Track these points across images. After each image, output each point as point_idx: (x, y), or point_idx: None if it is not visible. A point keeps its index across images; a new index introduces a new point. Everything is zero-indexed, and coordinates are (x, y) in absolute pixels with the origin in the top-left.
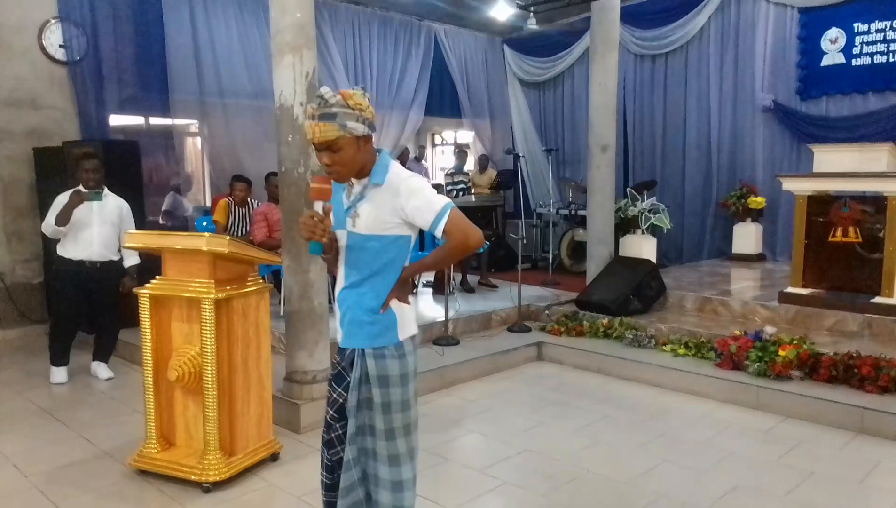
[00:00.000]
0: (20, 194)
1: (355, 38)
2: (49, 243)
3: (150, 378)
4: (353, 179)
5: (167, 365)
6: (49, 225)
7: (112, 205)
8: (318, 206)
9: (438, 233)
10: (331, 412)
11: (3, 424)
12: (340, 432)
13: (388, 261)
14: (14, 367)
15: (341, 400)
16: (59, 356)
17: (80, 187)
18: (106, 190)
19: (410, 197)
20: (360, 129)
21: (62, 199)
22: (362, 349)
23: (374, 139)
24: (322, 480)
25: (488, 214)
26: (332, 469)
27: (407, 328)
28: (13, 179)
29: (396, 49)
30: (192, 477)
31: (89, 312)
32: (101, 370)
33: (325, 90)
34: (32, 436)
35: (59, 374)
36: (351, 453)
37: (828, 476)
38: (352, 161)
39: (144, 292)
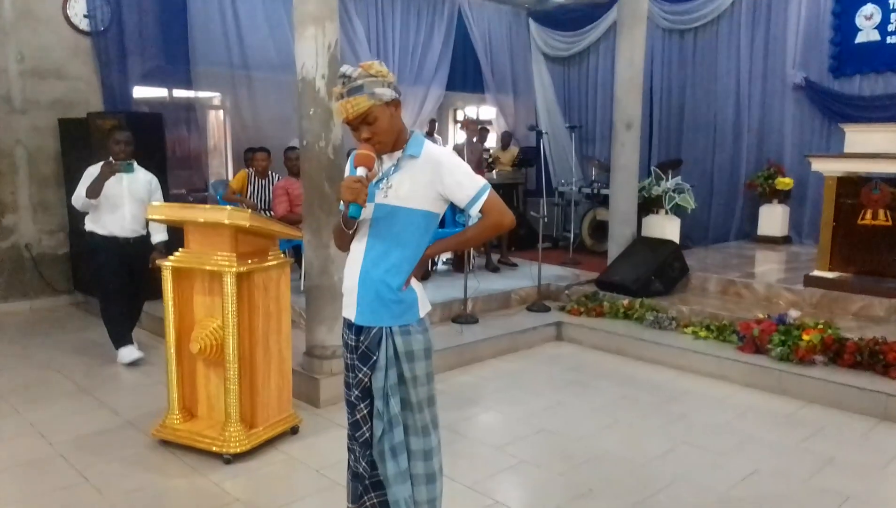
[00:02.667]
0: (46, 165)
1: (378, 10)
2: (76, 216)
3: (172, 350)
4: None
5: (189, 337)
6: (80, 197)
7: (142, 179)
8: (361, 171)
9: (475, 211)
10: (356, 392)
11: (29, 393)
12: (366, 411)
13: (416, 236)
14: (40, 336)
15: (366, 380)
16: (118, 337)
17: (111, 159)
18: (136, 164)
19: (453, 171)
20: (387, 94)
21: (93, 170)
22: (390, 328)
23: None
24: (350, 466)
25: (509, 191)
26: (360, 454)
27: (424, 305)
28: (38, 150)
29: (419, 22)
30: (214, 448)
31: (135, 290)
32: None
33: (346, 67)
34: (58, 405)
35: (127, 354)
36: (398, 436)
37: (849, 462)
38: (389, 128)
39: (167, 265)
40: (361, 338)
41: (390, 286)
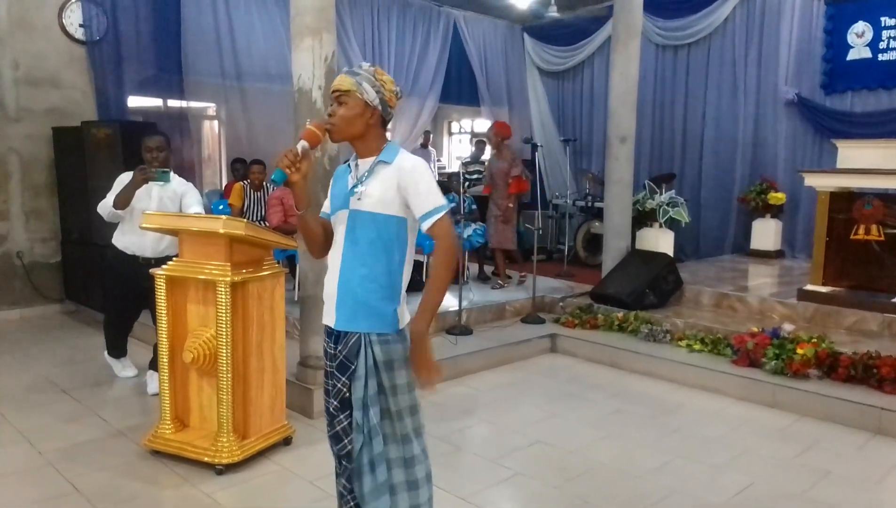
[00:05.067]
0: (39, 173)
1: (374, 23)
2: (69, 225)
3: (165, 359)
4: (360, 160)
5: (182, 347)
6: (106, 206)
7: (171, 191)
8: (301, 144)
9: (426, 227)
10: (334, 402)
11: (19, 401)
12: (346, 423)
13: (390, 241)
14: (31, 345)
15: (345, 390)
16: (114, 348)
17: (143, 166)
18: (172, 173)
19: (417, 179)
20: (371, 94)
21: (124, 178)
22: (368, 337)
23: (389, 124)
24: (338, 485)
25: None
26: (344, 468)
27: (404, 316)
28: (32, 158)
29: (415, 35)
30: (206, 459)
31: (143, 308)
32: (154, 381)
33: (365, 63)
34: (48, 414)
35: (122, 368)
36: (377, 447)
37: (844, 476)
38: (351, 121)
39: (161, 274)
40: (339, 346)
41: (367, 291)
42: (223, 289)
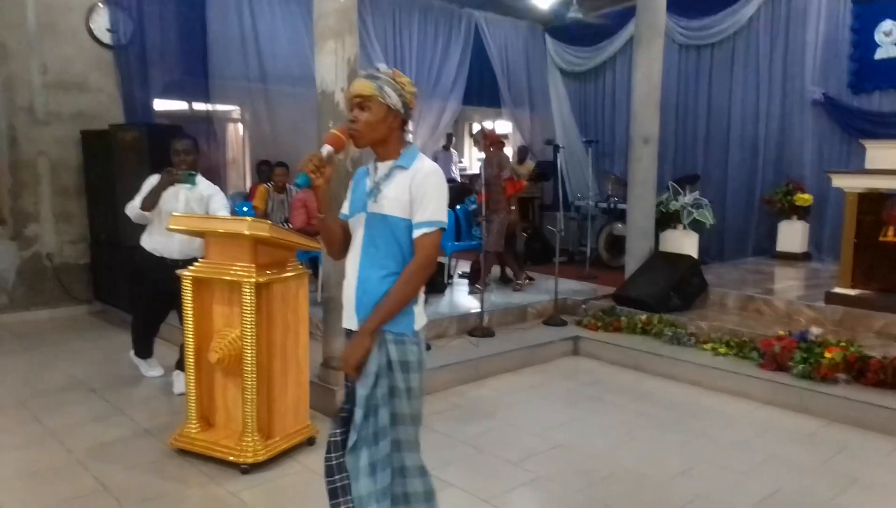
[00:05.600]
0: (68, 176)
1: (395, 25)
2: (97, 226)
3: (191, 360)
4: (379, 163)
5: (208, 347)
6: (133, 207)
7: (198, 195)
8: (325, 149)
9: (415, 235)
10: (348, 406)
11: (49, 400)
12: (346, 415)
13: (406, 246)
14: (60, 345)
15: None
16: (141, 349)
17: (171, 169)
18: (199, 176)
19: (425, 185)
20: (393, 97)
21: (153, 180)
22: (384, 335)
23: (410, 126)
24: (326, 463)
25: (525, 205)
26: (335, 450)
27: (420, 319)
28: (61, 161)
29: (436, 37)
30: (231, 458)
31: (170, 309)
32: (180, 381)
33: (381, 66)
34: (77, 413)
35: (148, 368)
36: (383, 450)
37: (873, 483)
38: (374, 126)
39: (187, 275)
40: None
41: (382, 292)
42: (248, 290)
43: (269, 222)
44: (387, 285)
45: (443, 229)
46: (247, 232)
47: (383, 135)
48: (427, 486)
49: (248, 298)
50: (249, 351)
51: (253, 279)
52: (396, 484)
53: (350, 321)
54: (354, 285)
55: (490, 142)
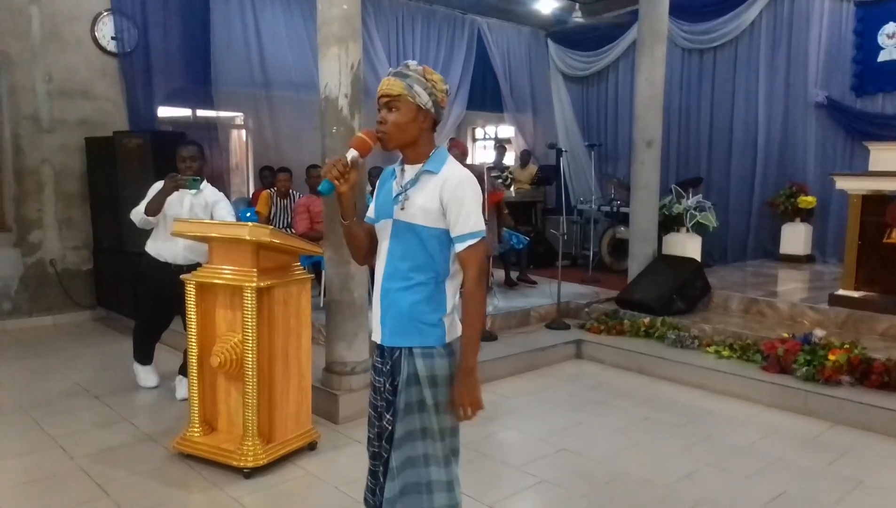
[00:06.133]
0: (72, 183)
1: (399, 31)
2: (101, 233)
3: (194, 364)
4: (407, 166)
5: (211, 352)
6: (138, 213)
7: (203, 201)
8: (351, 154)
9: (460, 248)
10: (387, 416)
11: (51, 407)
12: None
13: (433, 253)
14: (63, 351)
15: (385, 405)
16: (141, 355)
17: (176, 174)
18: (205, 182)
19: (458, 193)
20: (423, 97)
21: (158, 186)
22: (409, 349)
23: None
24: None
25: (528, 209)
26: (373, 473)
27: (455, 329)
28: (65, 168)
29: (440, 43)
30: (232, 462)
31: (176, 315)
32: (182, 386)
33: (411, 62)
34: (79, 419)
35: (146, 376)
36: (396, 460)
37: (879, 486)
38: (404, 127)
39: (190, 280)
40: (386, 362)
41: (410, 304)
42: (249, 294)
43: (271, 226)
44: (414, 296)
45: (485, 238)
46: (247, 237)
47: (413, 137)
48: (453, 501)
49: (249, 302)
50: (250, 356)
51: (254, 284)
52: (423, 500)
53: (376, 333)
54: (379, 296)
55: (460, 152)
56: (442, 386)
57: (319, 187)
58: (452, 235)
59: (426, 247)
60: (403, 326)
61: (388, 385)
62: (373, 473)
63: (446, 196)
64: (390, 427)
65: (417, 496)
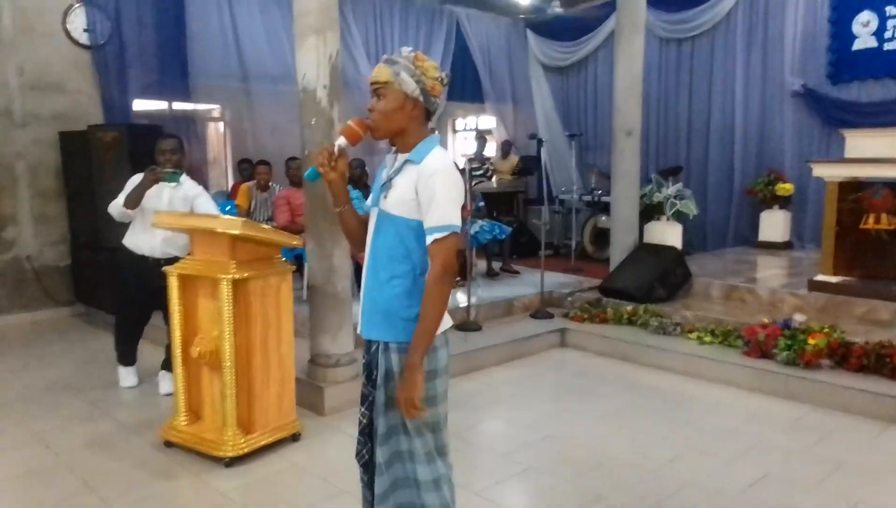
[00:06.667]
0: (47, 178)
1: (377, 22)
2: (78, 228)
3: (178, 353)
4: (399, 155)
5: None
6: (116, 205)
7: (183, 194)
8: (340, 141)
9: (428, 240)
10: (361, 408)
11: (33, 403)
12: (368, 431)
13: (409, 247)
14: (42, 348)
15: (370, 397)
16: (122, 355)
17: (155, 167)
18: (185, 176)
19: (432, 184)
20: (410, 84)
21: (136, 179)
22: (386, 343)
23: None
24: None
25: (510, 200)
26: (365, 467)
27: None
28: (40, 163)
29: (418, 34)
30: (211, 452)
31: (155, 310)
32: (165, 381)
33: (405, 49)
34: (61, 415)
35: (126, 376)
36: (382, 455)
37: (859, 467)
38: (390, 115)
39: (173, 272)
40: (367, 352)
41: (387, 298)
42: (224, 286)
43: (244, 219)
44: (391, 290)
45: (456, 233)
46: (219, 229)
47: (401, 125)
48: (444, 501)
49: (225, 293)
50: (226, 346)
51: (230, 276)
52: (413, 494)
53: (359, 324)
54: (363, 287)
55: None
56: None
57: (305, 174)
58: (424, 226)
59: (402, 238)
60: (380, 320)
61: (364, 378)
62: (358, 451)
63: (420, 187)
64: (364, 420)
65: (408, 490)
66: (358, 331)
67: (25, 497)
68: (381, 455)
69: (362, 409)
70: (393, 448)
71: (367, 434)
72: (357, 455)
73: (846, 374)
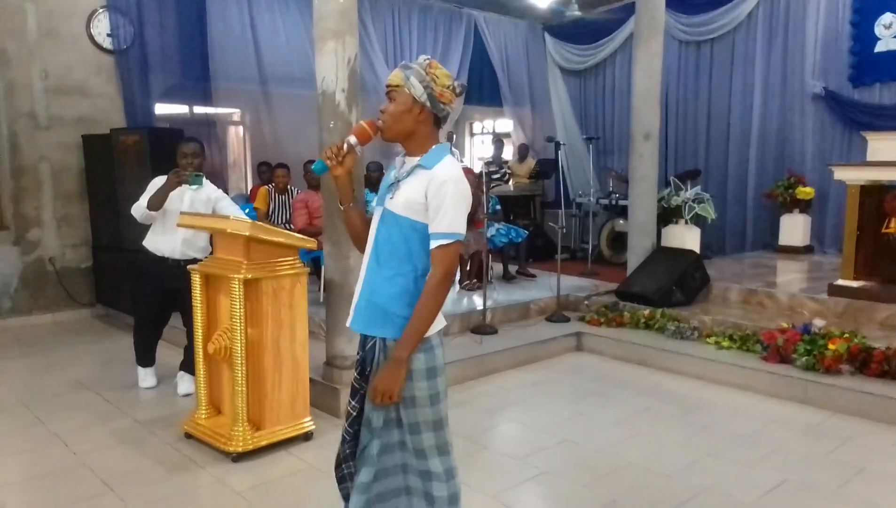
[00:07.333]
0: (69, 180)
1: (395, 25)
2: (99, 230)
3: (200, 349)
4: (407, 158)
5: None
6: (140, 207)
7: (204, 196)
8: (351, 139)
9: (433, 245)
10: (352, 402)
11: (53, 403)
12: (356, 427)
13: (413, 248)
14: (63, 348)
15: (361, 391)
16: (141, 356)
17: (180, 170)
18: (205, 179)
19: (442, 191)
20: (418, 89)
21: (158, 181)
22: (384, 340)
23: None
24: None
25: (527, 203)
26: (346, 460)
27: (434, 324)
28: (63, 166)
29: (436, 37)
30: (220, 446)
31: (175, 312)
32: (184, 382)
33: (422, 56)
34: (81, 415)
35: (145, 377)
36: (375, 448)
37: (880, 473)
38: (399, 118)
39: (196, 270)
40: (362, 348)
41: (385, 296)
42: (236, 285)
43: (252, 221)
44: (387, 289)
45: (459, 241)
46: (229, 230)
47: (409, 128)
48: (452, 489)
49: (237, 292)
50: (237, 344)
51: (241, 275)
52: (424, 486)
53: (349, 317)
54: (361, 281)
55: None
56: (417, 380)
57: (313, 165)
58: (429, 230)
59: (406, 239)
60: (380, 317)
61: (357, 373)
62: (343, 439)
63: (430, 193)
64: (354, 413)
65: (396, 478)
66: (347, 324)
67: (45, 496)
68: (374, 447)
69: (352, 402)
70: (385, 440)
71: (356, 427)
72: (336, 467)
73: (866, 380)
